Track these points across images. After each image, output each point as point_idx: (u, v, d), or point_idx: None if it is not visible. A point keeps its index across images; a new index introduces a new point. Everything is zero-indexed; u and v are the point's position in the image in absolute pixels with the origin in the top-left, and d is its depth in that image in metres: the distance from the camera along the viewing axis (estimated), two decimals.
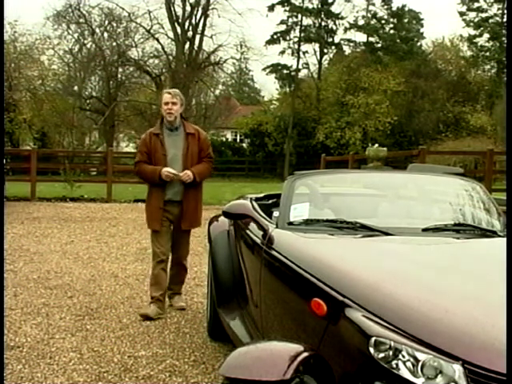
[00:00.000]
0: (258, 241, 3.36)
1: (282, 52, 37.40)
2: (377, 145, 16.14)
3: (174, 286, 5.26)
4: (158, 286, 4.98)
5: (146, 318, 4.81)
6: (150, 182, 4.99)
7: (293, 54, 37.28)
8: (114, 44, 34.35)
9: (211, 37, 34.96)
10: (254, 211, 3.51)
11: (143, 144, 5.02)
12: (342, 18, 37.85)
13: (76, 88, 35.51)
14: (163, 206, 4.94)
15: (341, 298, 2.31)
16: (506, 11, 34.43)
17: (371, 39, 38.57)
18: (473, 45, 37.20)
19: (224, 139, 38.89)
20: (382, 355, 1.97)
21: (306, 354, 2.09)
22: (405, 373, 1.91)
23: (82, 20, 34.12)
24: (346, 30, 38.17)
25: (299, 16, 37.10)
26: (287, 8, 37.00)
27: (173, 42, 35.27)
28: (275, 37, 37.22)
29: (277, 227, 3.25)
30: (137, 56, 34.97)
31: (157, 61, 35.59)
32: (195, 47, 35.25)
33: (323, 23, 37.65)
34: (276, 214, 3.54)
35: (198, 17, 35.19)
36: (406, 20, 38.90)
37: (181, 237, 5.12)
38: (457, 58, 37.58)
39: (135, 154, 5.53)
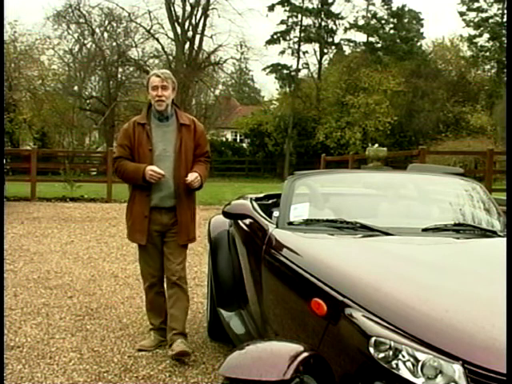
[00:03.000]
0: (258, 241, 3.36)
1: (282, 52, 37.43)
2: (377, 145, 16.15)
3: (174, 323, 4.04)
4: (155, 312, 4.23)
5: (143, 351, 4.09)
6: (132, 183, 4.06)
7: (293, 53, 37.29)
8: (114, 44, 34.40)
9: (211, 37, 35.04)
10: (254, 211, 3.51)
11: (125, 136, 4.04)
12: (342, 18, 37.87)
13: (76, 88, 35.56)
14: (148, 214, 3.99)
15: (341, 297, 2.31)
16: (506, 11, 34.43)
17: (371, 39, 38.57)
18: (473, 45, 37.19)
19: (224, 139, 38.90)
20: (382, 355, 1.97)
21: (305, 354, 2.09)
22: (405, 373, 1.92)
23: (82, 20, 34.16)
24: (345, 29, 38.19)
25: (299, 16, 37.10)
26: (287, 8, 37.00)
27: (173, 42, 35.31)
28: (275, 37, 37.22)
29: (277, 227, 3.25)
30: (137, 56, 35.07)
31: (157, 61, 35.66)
32: (195, 47, 35.27)
33: (323, 23, 37.63)
34: (276, 213, 3.54)
35: (197, 17, 35.27)
36: (406, 20, 38.89)
37: (172, 250, 4.09)
38: (457, 58, 37.57)
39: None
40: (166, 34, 35.33)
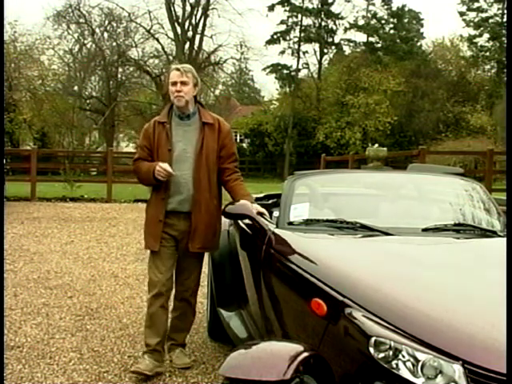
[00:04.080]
0: (258, 241, 3.36)
1: (282, 52, 37.45)
2: (377, 145, 16.15)
3: (175, 334, 3.92)
4: (154, 329, 3.73)
5: (139, 374, 3.62)
6: (147, 183, 3.81)
7: (293, 53, 37.30)
8: (114, 44, 34.42)
9: (211, 37, 35.05)
10: (254, 211, 3.50)
11: (145, 136, 3.81)
12: (342, 18, 37.90)
13: (76, 88, 35.55)
14: (164, 219, 3.71)
15: (341, 298, 2.31)
16: (506, 11, 34.44)
17: (371, 39, 38.59)
18: (473, 45, 37.22)
19: None
20: (382, 355, 1.97)
21: (306, 354, 2.09)
22: (405, 373, 1.92)
23: (82, 20, 34.16)
24: (345, 29, 38.23)
25: (299, 16, 37.12)
26: (287, 8, 37.02)
27: (173, 42, 35.32)
28: (275, 37, 37.23)
29: (277, 227, 3.25)
30: (137, 56, 35.07)
31: (157, 61, 35.70)
32: (195, 47, 35.29)
33: (323, 23, 37.65)
34: (276, 213, 3.54)
35: (198, 17, 35.28)
36: (406, 20, 38.94)
37: (189, 263, 3.82)
38: (457, 58, 37.60)
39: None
40: (166, 34, 35.39)
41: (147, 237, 3.81)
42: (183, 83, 3.69)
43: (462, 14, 37.54)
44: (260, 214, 3.51)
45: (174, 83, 3.70)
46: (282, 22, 37.31)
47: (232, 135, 3.94)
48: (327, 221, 3.24)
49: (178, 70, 3.74)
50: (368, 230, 3.09)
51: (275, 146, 34.85)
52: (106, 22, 34.55)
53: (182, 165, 3.68)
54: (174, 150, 3.70)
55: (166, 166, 3.60)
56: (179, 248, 3.79)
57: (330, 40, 38.34)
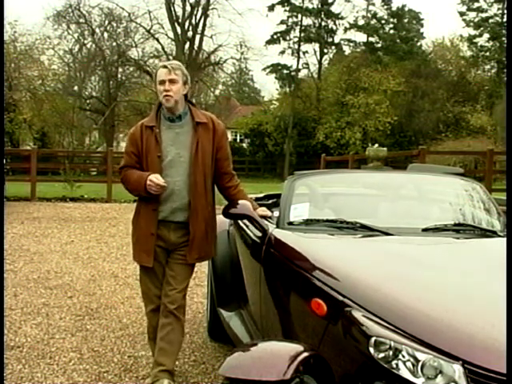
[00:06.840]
0: (258, 241, 3.36)
1: (282, 52, 37.48)
2: (377, 145, 16.16)
3: (163, 358, 3.38)
4: None
5: None
6: (136, 194, 3.55)
7: (293, 53, 37.33)
8: (114, 44, 34.44)
9: (211, 37, 35.08)
10: (253, 211, 3.51)
11: (131, 141, 3.50)
12: (342, 18, 37.92)
13: (76, 88, 35.57)
14: (155, 232, 3.43)
15: (341, 298, 2.31)
16: (506, 11, 34.44)
17: (371, 39, 38.62)
18: (473, 45, 37.24)
19: None
20: (382, 355, 1.97)
21: (306, 354, 2.09)
22: (405, 373, 1.92)
23: (82, 20, 34.18)
24: (345, 29, 38.26)
25: (299, 16, 37.14)
26: (287, 8, 37.04)
27: (173, 42, 35.34)
28: (275, 37, 37.25)
29: (277, 227, 3.25)
30: (137, 56, 35.10)
31: (157, 61, 35.63)
32: (195, 47, 35.30)
33: (323, 23, 37.67)
34: (276, 213, 3.54)
35: (197, 17, 35.31)
36: (406, 20, 38.97)
37: (178, 277, 3.47)
38: (457, 58, 37.61)
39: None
40: (166, 34, 35.42)
41: (139, 252, 3.51)
42: (172, 82, 3.36)
43: (462, 14, 37.56)
44: (264, 217, 3.50)
45: (162, 82, 3.37)
46: (282, 22, 37.34)
47: (227, 134, 3.66)
48: (327, 221, 3.24)
49: (165, 67, 3.39)
50: (368, 230, 3.09)
51: (275, 146, 34.85)
52: (106, 22, 34.59)
53: (175, 169, 3.40)
54: (165, 156, 3.40)
55: (157, 178, 3.31)
56: (169, 257, 3.51)
57: (330, 40, 38.36)
